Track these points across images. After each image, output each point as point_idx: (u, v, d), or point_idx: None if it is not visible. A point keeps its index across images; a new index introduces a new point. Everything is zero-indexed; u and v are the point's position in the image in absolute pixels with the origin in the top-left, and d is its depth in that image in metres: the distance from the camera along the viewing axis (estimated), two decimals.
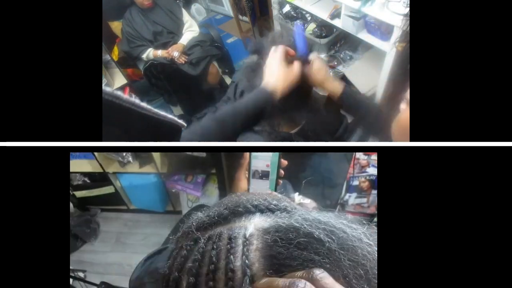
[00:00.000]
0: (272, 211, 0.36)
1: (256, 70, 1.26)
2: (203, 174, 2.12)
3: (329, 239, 0.30)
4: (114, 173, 2.26)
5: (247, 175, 0.74)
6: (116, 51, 2.45)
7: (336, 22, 1.92)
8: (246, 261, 0.29)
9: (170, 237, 0.39)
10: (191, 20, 2.26)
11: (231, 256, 0.29)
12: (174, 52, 2.17)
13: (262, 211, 0.35)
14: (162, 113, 0.52)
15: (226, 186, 1.92)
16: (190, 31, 2.23)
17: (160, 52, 2.19)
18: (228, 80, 2.54)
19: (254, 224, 0.33)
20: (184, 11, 2.23)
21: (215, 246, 0.31)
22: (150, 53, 2.22)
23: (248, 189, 0.73)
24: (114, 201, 2.45)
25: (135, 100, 0.45)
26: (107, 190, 2.35)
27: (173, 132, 0.59)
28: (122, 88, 2.25)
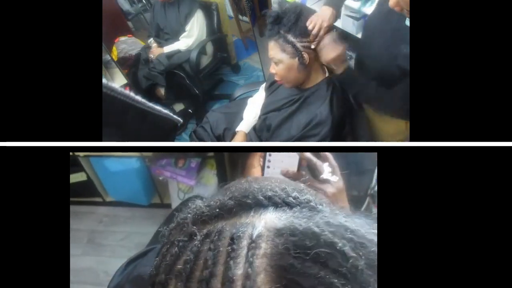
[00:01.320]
0: (289, 205, 0.29)
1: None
2: (198, 158, 1.75)
3: (355, 254, 0.24)
4: (86, 156, 1.85)
5: (261, 162, 0.65)
6: (115, 51, 2.44)
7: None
8: (249, 269, 0.23)
9: (161, 229, 0.34)
10: (193, 31, 2.10)
11: (231, 262, 0.24)
12: (151, 55, 2.16)
13: (277, 204, 0.28)
14: (158, 107, 0.51)
15: (227, 172, 1.64)
16: (182, 41, 2.13)
17: (153, 46, 2.20)
18: (178, 107, 2.29)
19: (264, 222, 0.26)
20: (193, 21, 2.07)
21: (212, 246, 0.25)
22: (151, 41, 2.24)
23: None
24: (86, 192, 2.03)
25: (130, 93, 0.45)
26: (77, 177, 1.93)
27: (169, 128, 0.59)
28: (122, 87, 2.23)
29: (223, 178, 1.66)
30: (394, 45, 0.94)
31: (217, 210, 0.28)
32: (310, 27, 0.98)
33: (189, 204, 0.32)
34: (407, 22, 0.88)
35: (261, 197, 0.29)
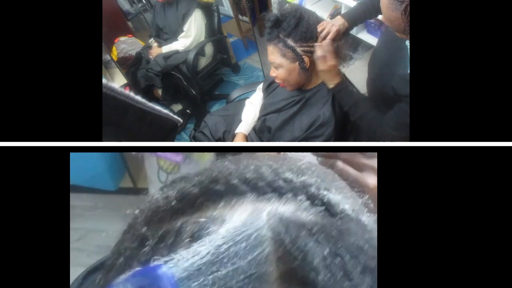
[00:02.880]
0: (279, 192, 0.20)
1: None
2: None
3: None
4: None
5: None
6: (115, 51, 2.44)
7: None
8: None
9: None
10: (191, 32, 2.07)
11: None
12: (150, 55, 2.16)
13: (259, 190, 0.20)
14: (157, 107, 0.52)
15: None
16: (180, 41, 2.11)
17: (153, 45, 2.20)
18: (176, 108, 2.33)
19: (239, 214, 0.19)
20: (191, 20, 2.04)
21: (166, 253, 0.18)
22: (152, 40, 2.24)
23: None
24: None
25: (130, 93, 0.45)
26: None
27: (169, 128, 0.59)
28: (122, 87, 2.23)
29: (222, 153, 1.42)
30: (393, 65, 0.94)
31: (175, 202, 0.21)
32: (319, 30, 0.98)
33: (152, 195, 0.23)
34: (407, 43, 0.88)
35: (236, 181, 0.20)
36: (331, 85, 1.02)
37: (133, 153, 1.37)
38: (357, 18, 1.10)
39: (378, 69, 1.05)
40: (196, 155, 1.26)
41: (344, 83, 1.03)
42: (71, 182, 1.72)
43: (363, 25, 1.85)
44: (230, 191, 0.20)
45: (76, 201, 1.48)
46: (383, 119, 0.96)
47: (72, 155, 1.64)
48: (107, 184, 1.55)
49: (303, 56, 0.99)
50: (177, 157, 1.24)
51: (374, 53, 1.13)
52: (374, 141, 1.08)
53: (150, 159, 1.33)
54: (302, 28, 0.97)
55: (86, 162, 1.44)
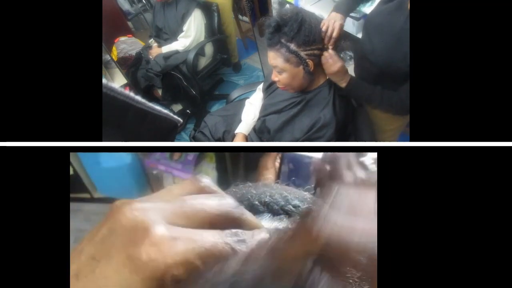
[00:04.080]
0: (288, 214, 0.26)
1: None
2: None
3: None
4: None
5: (278, 163, 0.60)
6: (115, 51, 2.44)
7: None
8: None
9: None
10: (190, 31, 2.07)
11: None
12: (150, 55, 2.16)
13: (274, 212, 0.26)
14: (157, 107, 0.51)
15: (228, 166, 1.48)
16: (180, 41, 2.10)
17: (153, 46, 2.20)
18: (176, 108, 2.35)
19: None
20: (190, 20, 2.04)
21: None
22: (152, 41, 2.24)
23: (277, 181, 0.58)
24: (72, 187, 1.80)
25: (130, 93, 0.45)
26: None
27: (169, 128, 0.59)
28: (122, 87, 2.23)
29: (223, 172, 1.52)
30: (403, 43, 0.92)
31: None
32: (323, 29, 0.98)
33: None
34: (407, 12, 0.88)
35: (257, 203, 0.26)
36: (343, 84, 1.02)
37: (154, 172, 1.57)
38: (349, 9, 1.11)
39: (379, 37, 1.03)
40: (202, 174, 1.39)
41: (354, 78, 1.03)
42: (106, 196, 1.84)
43: (363, 25, 1.85)
44: (252, 210, 0.24)
45: (108, 210, 1.91)
46: (398, 94, 0.97)
47: (105, 173, 1.59)
48: (134, 196, 1.87)
49: (307, 60, 0.98)
50: (188, 176, 1.40)
51: (370, 18, 1.11)
52: (399, 115, 1.09)
53: (167, 178, 1.56)
54: (304, 32, 0.95)
55: (118, 179, 1.71)
